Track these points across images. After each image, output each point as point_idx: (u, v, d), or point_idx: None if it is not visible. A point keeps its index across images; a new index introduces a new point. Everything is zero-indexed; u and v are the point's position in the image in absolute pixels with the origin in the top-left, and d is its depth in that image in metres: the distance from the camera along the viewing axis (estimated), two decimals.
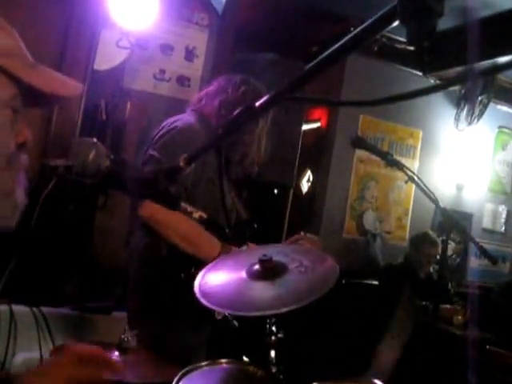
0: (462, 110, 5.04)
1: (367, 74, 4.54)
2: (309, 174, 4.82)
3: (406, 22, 0.57)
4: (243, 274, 1.26)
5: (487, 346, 3.34)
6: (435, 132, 5.02)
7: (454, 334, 3.64)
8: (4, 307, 2.23)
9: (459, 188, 5.13)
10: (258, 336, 1.47)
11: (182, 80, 3.40)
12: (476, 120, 5.03)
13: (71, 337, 2.37)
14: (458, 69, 4.31)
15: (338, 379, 1.44)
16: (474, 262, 5.17)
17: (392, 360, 3.12)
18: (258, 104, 0.84)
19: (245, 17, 3.72)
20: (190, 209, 1.07)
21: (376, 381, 1.37)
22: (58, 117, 2.89)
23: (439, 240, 3.96)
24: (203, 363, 1.40)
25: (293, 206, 4.13)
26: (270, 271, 1.24)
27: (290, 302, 1.13)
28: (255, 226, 2.13)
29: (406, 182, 2.40)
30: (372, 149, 2.37)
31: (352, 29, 0.65)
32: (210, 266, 1.36)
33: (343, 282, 3.82)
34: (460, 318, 3.83)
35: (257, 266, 1.26)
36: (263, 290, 1.21)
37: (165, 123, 2.04)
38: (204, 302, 1.17)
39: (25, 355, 2.19)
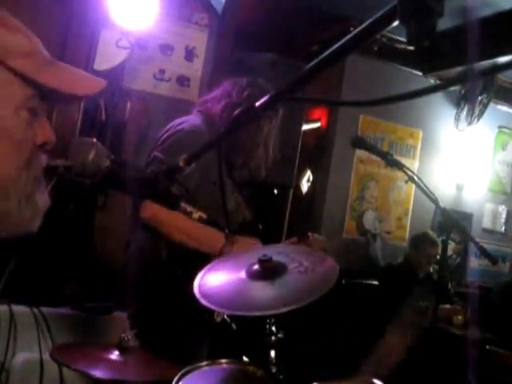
0: (462, 109, 5.04)
1: (367, 73, 4.54)
2: (309, 174, 4.82)
3: (405, 22, 0.57)
4: (243, 275, 1.26)
5: (487, 346, 3.34)
6: (435, 132, 5.02)
7: (454, 334, 3.64)
8: (4, 307, 2.23)
9: (459, 188, 5.13)
10: (258, 336, 1.47)
11: (182, 80, 3.39)
12: (476, 120, 5.03)
13: (71, 337, 2.37)
14: (458, 69, 4.31)
15: (338, 379, 1.44)
16: (474, 262, 5.17)
17: (394, 357, 3.12)
18: (258, 104, 0.84)
19: (245, 17, 3.72)
20: (189, 209, 1.07)
21: (376, 381, 1.37)
22: (58, 117, 2.89)
23: (439, 240, 3.96)
24: (203, 363, 1.40)
25: (293, 205, 4.13)
26: (269, 271, 1.24)
27: (290, 302, 1.13)
28: (260, 227, 2.13)
29: (406, 182, 2.40)
30: (372, 149, 2.37)
31: (352, 29, 0.65)
32: (209, 266, 1.36)
33: (343, 282, 3.82)
34: (460, 317, 3.83)
35: (256, 266, 1.26)
36: (263, 290, 1.21)
37: (171, 125, 2.03)
38: (204, 302, 1.17)
39: (25, 355, 2.19)
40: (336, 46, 0.68)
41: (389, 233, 4.81)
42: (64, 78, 0.83)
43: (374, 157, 2.59)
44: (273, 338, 1.45)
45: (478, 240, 2.39)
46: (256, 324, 1.47)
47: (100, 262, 2.93)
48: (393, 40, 4.41)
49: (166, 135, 1.98)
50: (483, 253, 2.29)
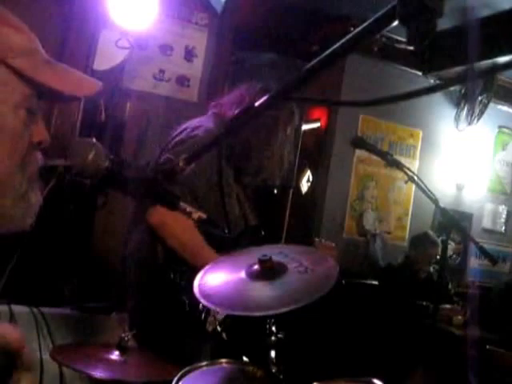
0: (462, 110, 5.03)
1: (367, 73, 4.54)
2: (309, 174, 4.82)
3: (405, 22, 0.57)
4: (243, 275, 1.26)
5: (487, 346, 3.34)
6: (435, 132, 5.02)
7: (453, 334, 3.64)
8: (4, 307, 2.23)
9: (459, 188, 5.13)
10: (258, 336, 1.47)
11: (182, 80, 3.39)
12: (476, 120, 5.03)
13: (71, 337, 2.37)
14: (458, 69, 4.31)
15: (338, 379, 1.44)
16: (474, 262, 5.17)
17: None
18: (257, 104, 0.84)
19: (244, 17, 3.72)
20: (189, 209, 1.06)
21: (376, 381, 1.37)
22: (58, 117, 2.89)
23: (439, 240, 3.96)
24: (203, 363, 1.40)
25: (293, 206, 4.13)
26: (269, 271, 1.24)
27: (290, 302, 1.13)
28: (262, 232, 2.12)
29: (406, 182, 2.40)
30: (372, 149, 2.37)
31: (352, 29, 0.65)
32: (209, 266, 1.36)
33: (343, 282, 3.82)
34: (460, 318, 3.83)
35: (256, 266, 1.26)
36: (263, 290, 1.21)
37: (184, 127, 2.00)
38: (204, 302, 1.17)
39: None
40: (336, 45, 0.68)
41: (389, 233, 4.81)
42: (62, 78, 0.84)
43: (374, 157, 2.59)
44: (273, 338, 1.45)
45: (478, 240, 2.39)
46: (256, 324, 1.47)
47: (100, 262, 2.93)
48: (393, 40, 4.40)
49: (179, 138, 1.95)
50: (483, 253, 2.29)
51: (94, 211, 2.94)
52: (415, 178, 2.32)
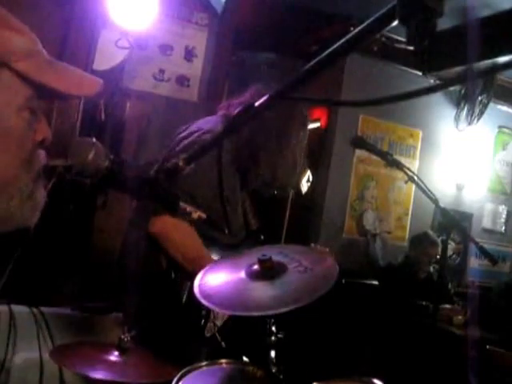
0: (462, 110, 5.03)
1: (367, 73, 4.54)
2: (309, 174, 4.81)
3: (405, 22, 0.57)
4: (243, 275, 1.26)
5: (487, 346, 3.34)
6: (435, 132, 5.02)
7: (454, 334, 3.64)
8: (4, 307, 2.23)
9: (459, 188, 5.13)
10: (258, 336, 1.47)
11: (182, 80, 3.39)
12: (476, 120, 5.03)
13: (71, 337, 2.36)
14: (458, 69, 4.30)
15: (338, 379, 1.44)
16: (474, 262, 5.17)
17: None
18: (257, 104, 0.84)
19: (244, 16, 3.72)
20: (189, 209, 1.06)
21: (376, 381, 1.37)
22: (58, 117, 2.89)
23: (439, 240, 3.96)
24: (203, 363, 1.40)
25: (293, 206, 4.13)
26: (269, 271, 1.24)
27: (290, 302, 1.13)
28: (262, 237, 2.10)
29: (406, 182, 2.40)
30: (372, 149, 2.37)
31: (352, 29, 0.65)
32: (209, 266, 1.36)
33: (343, 281, 3.82)
34: (460, 317, 3.83)
35: (256, 266, 1.26)
36: (263, 290, 1.21)
37: (192, 129, 1.95)
38: (204, 302, 1.17)
39: (25, 355, 2.18)
40: (336, 45, 0.68)
41: (389, 233, 4.81)
42: (64, 78, 0.84)
43: (373, 157, 2.59)
44: (273, 338, 1.45)
45: (478, 240, 2.39)
46: (256, 324, 1.47)
47: (100, 262, 2.93)
48: (393, 40, 4.40)
49: (186, 141, 1.91)
50: (483, 253, 2.29)
51: (93, 211, 2.94)
52: (415, 177, 2.32)
